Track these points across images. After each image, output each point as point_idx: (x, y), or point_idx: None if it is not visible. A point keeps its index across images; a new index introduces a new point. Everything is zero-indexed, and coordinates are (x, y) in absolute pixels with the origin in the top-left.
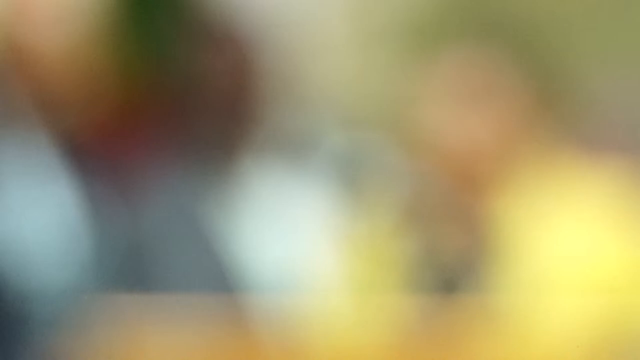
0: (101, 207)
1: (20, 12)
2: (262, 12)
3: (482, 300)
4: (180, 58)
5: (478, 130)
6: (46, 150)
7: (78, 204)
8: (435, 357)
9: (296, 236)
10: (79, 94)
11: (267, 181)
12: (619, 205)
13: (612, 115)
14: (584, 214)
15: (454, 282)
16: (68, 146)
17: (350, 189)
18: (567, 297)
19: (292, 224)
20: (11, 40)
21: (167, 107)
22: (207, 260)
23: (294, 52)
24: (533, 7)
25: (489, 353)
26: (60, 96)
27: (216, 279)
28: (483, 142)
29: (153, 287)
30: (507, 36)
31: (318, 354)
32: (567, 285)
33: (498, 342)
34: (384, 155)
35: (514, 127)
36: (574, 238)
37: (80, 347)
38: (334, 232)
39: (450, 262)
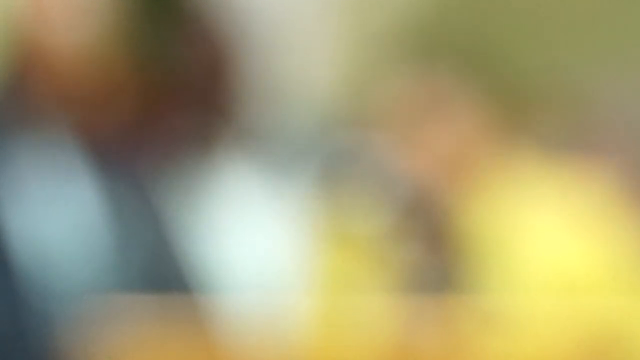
0: (121, 205)
1: (38, 11)
2: (246, 8)
3: (465, 301)
4: (173, 53)
5: (441, 145)
6: (66, 149)
7: (98, 202)
8: (426, 358)
9: (279, 236)
10: (98, 93)
11: (244, 180)
12: (603, 205)
13: (607, 116)
14: (566, 214)
15: (440, 283)
16: (88, 145)
17: (334, 189)
18: (554, 297)
19: (276, 223)
20: (30, 40)
21: (162, 103)
22: (193, 259)
23: (277, 49)
24: (499, 22)
25: (480, 354)
26: (79, 95)
27: (203, 278)
28: (457, 150)
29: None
30: (468, 53)
31: (306, 356)
32: (554, 286)
33: (489, 343)
34: (367, 155)
35: (479, 139)
36: (555, 238)
37: (96, 345)
38: (317, 232)
39: (436, 263)
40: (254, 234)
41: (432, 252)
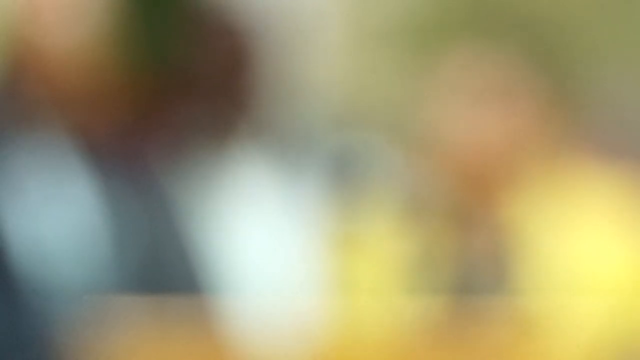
0: (119, 205)
1: (33, 13)
2: (260, 6)
3: (496, 302)
4: (181, 50)
5: (487, 129)
6: (63, 150)
7: (96, 202)
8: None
9: (286, 235)
10: (94, 93)
11: (256, 176)
12: (632, 208)
13: (625, 118)
14: (595, 216)
15: (464, 284)
16: (85, 145)
17: (346, 188)
18: (581, 299)
19: (283, 222)
20: (26, 41)
21: (170, 99)
22: (192, 259)
23: (290, 47)
24: (546, 6)
25: (500, 355)
26: (75, 95)
27: (202, 279)
28: (492, 142)
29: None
30: (518, 34)
31: (314, 356)
32: (577, 288)
33: (510, 345)
34: (383, 154)
35: (524, 127)
36: (588, 240)
37: (94, 346)
38: (328, 231)
39: (459, 263)
40: (264, 233)
41: (465, 251)
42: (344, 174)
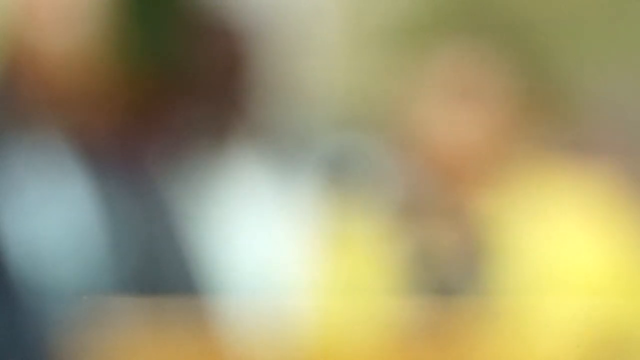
0: (116, 206)
1: (29, 14)
2: (257, 7)
3: (476, 302)
4: (178, 51)
5: (469, 128)
6: (61, 151)
7: (93, 203)
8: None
9: (280, 236)
10: (91, 94)
11: (252, 177)
12: (611, 207)
13: (605, 117)
14: (576, 214)
15: (447, 284)
16: (82, 146)
17: (339, 189)
18: (558, 298)
19: (277, 223)
20: (23, 42)
21: (168, 100)
22: (188, 260)
23: (287, 48)
24: (527, 7)
25: (483, 355)
26: (71, 97)
27: (198, 280)
28: (474, 140)
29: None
30: (499, 34)
31: (306, 355)
32: (559, 287)
33: (492, 344)
34: (375, 155)
35: (505, 126)
36: (566, 238)
37: (92, 347)
38: (321, 232)
39: (443, 263)
40: (261, 233)
41: (447, 250)
42: (340, 174)
